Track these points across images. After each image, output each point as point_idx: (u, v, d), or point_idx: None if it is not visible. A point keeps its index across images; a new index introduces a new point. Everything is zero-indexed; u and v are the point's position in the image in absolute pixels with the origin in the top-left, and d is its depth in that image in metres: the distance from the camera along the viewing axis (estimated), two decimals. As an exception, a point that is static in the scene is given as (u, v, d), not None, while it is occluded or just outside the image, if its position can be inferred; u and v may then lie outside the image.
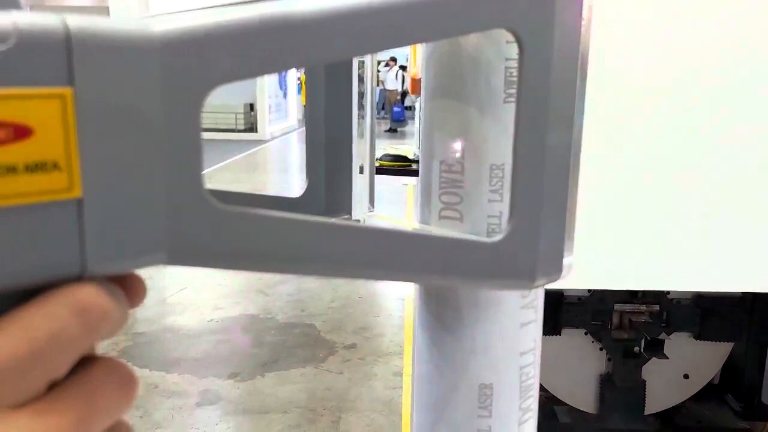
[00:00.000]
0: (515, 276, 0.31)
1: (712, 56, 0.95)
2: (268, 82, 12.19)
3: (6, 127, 0.18)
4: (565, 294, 1.79)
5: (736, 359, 1.90)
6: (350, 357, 3.39)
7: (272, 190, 8.37)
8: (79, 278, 0.21)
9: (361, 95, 0.47)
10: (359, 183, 0.45)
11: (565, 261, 0.33)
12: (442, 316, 0.40)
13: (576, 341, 1.85)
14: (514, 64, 0.37)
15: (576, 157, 0.33)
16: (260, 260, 0.24)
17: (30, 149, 0.19)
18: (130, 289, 0.25)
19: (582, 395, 1.91)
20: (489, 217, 0.39)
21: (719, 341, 1.80)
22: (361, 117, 0.48)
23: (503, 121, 0.37)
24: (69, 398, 0.21)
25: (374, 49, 0.26)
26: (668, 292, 1.77)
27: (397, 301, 4.19)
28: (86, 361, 0.22)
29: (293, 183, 8.74)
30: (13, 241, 0.19)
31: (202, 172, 0.23)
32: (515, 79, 0.36)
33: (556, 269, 0.32)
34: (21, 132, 0.19)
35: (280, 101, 13.07)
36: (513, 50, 0.37)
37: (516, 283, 0.31)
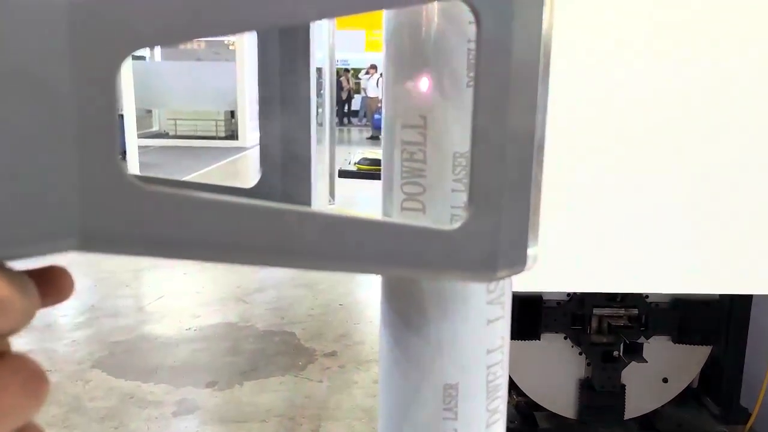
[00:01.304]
0: (476, 266, 0.29)
1: (691, 57, 0.95)
2: (249, 90, 12.12)
3: None
4: (544, 298, 1.79)
5: (714, 362, 1.90)
6: (330, 365, 3.36)
7: (253, 197, 8.29)
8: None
9: (319, 88, 0.45)
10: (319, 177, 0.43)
11: (530, 252, 0.31)
12: (406, 313, 0.38)
13: (555, 346, 1.84)
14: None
15: (540, 143, 0.31)
16: (190, 248, 0.22)
17: None
18: (51, 283, 0.23)
19: (562, 400, 1.90)
20: (452, 207, 0.37)
21: (697, 344, 1.80)
22: (320, 124, 0.46)
23: (466, 107, 0.35)
24: None
25: (325, 14, 0.24)
26: (647, 296, 1.77)
27: (377, 308, 4.16)
28: None
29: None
30: None
31: (118, 149, 0.20)
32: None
33: (519, 260, 0.30)
34: None
35: (261, 108, 12.98)
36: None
37: (477, 274, 0.29)
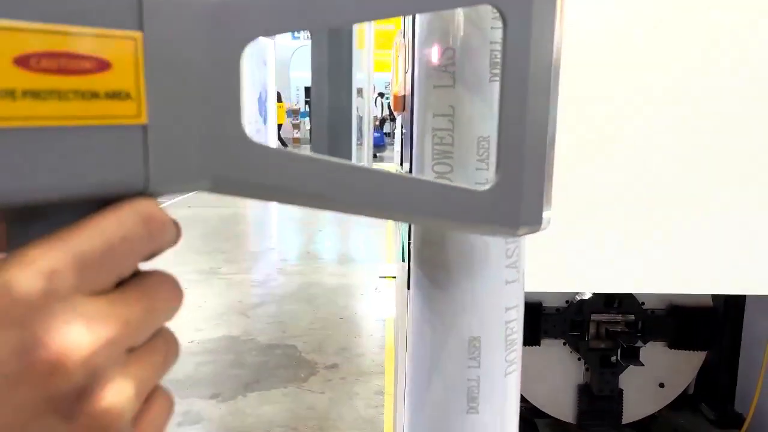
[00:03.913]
0: (501, 222, 0.35)
1: (686, 62, 0.99)
2: (247, 109, 12.23)
3: (92, 60, 0.23)
4: (543, 305, 1.84)
5: (709, 368, 1.96)
6: (332, 377, 3.40)
7: (252, 211, 8.37)
8: (141, 194, 0.25)
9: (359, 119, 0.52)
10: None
11: (545, 215, 0.38)
12: (435, 276, 0.45)
13: (555, 351, 1.90)
14: (498, 47, 0.42)
15: (552, 130, 0.38)
16: (286, 192, 0.29)
17: (109, 80, 0.23)
18: None
19: (561, 405, 1.95)
20: (477, 183, 0.43)
21: (692, 350, 1.86)
22: (359, 144, 0.52)
23: (489, 98, 0.42)
24: (134, 293, 0.25)
25: (376, 16, 0.31)
26: (643, 302, 1.83)
27: (377, 321, 4.21)
28: (141, 272, 0.26)
29: (272, 205, 8.76)
30: (94, 155, 0.23)
31: (241, 114, 0.27)
32: (499, 60, 0.41)
33: (536, 220, 0.37)
34: (102, 65, 0.23)
35: (259, 127, 13.11)
36: (497, 35, 0.42)
37: (502, 230, 0.36)
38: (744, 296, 1.84)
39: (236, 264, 5.48)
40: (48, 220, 0.24)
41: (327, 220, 7.73)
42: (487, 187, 0.35)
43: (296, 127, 19.71)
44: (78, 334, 0.22)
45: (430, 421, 0.46)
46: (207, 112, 0.26)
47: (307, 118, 20.30)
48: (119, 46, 0.23)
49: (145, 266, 0.27)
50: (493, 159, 0.42)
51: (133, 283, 0.25)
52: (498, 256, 0.44)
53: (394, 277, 4.28)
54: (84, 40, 0.22)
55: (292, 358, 3.59)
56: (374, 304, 4.54)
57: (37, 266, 0.22)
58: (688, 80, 1.00)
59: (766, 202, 1.05)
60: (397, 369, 2.32)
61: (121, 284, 0.25)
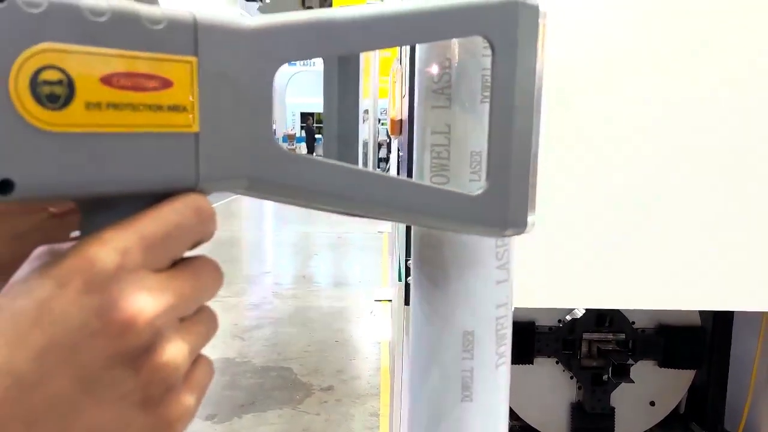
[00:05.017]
0: (490, 224, 0.40)
1: (672, 68, 1.00)
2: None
3: (158, 79, 0.28)
4: (536, 324, 1.89)
5: (699, 386, 2.00)
6: (327, 399, 3.41)
7: (248, 234, 8.40)
8: (193, 190, 0.30)
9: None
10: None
11: (529, 219, 0.43)
12: (433, 276, 0.50)
13: (547, 370, 1.93)
14: (489, 72, 0.48)
15: (537, 138, 0.43)
16: (309, 193, 0.34)
17: (171, 95, 0.28)
18: None
19: (554, 423, 1.98)
20: (470, 193, 0.49)
21: (682, 368, 1.90)
22: (364, 165, 0.58)
23: (481, 117, 0.48)
24: (185, 272, 0.30)
25: (383, 45, 0.36)
26: (633, 322, 1.88)
27: (373, 344, 4.23)
28: (189, 257, 0.31)
29: (267, 229, 8.81)
30: (156, 157, 0.28)
31: (272, 124, 0.32)
32: (489, 84, 0.47)
33: (521, 222, 0.42)
34: (166, 83, 0.28)
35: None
36: (487, 62, 0.48)
37: (491, 230, 0.41)
38: (732, 314, 1.89)
39: (231, 287, 5.51)
40: (115, 209, 0.29)
41: (322, 244, 7.77)
42: (479, 191, 0.40)
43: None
44: (144, 301, 0.27)
45: (428, 407, 0.51)
46: (245, 123, 0.31)
47: (304, 143, 20.47)
48: (179, 69, 0.29)
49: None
50: (484, 171, 0.47)
51: (184, 264, 0.30)
52: (489, 257, 0.49)
53: (390, 300, 4.31)
54: (153, 64, 0.28)
55: (287, 380, 3.61)
56: (370, 327, 4.56)
57: (113, 245, 0.27)
58: (680, 101, 1.02)
59: (753, 219, 1.07)
60: (392, 391, 2.35)
61: (174, 265, 0.30)
